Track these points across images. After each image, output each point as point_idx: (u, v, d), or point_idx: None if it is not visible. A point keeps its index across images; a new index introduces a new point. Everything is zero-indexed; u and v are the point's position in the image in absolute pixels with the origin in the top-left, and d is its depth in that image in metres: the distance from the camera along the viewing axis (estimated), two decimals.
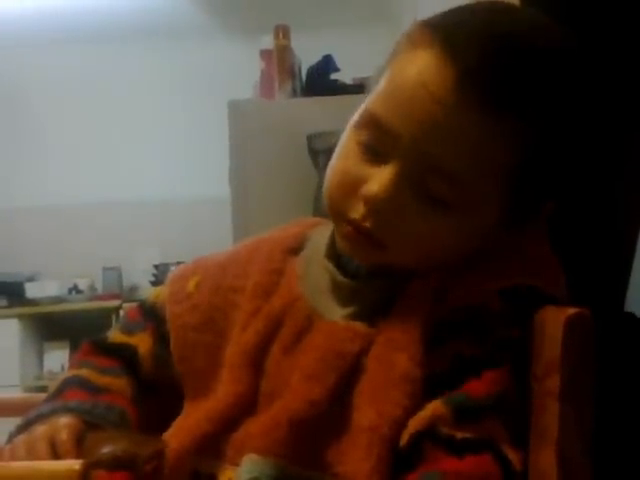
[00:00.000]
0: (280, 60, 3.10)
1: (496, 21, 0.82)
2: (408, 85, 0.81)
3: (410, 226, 0.82)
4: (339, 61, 3.26)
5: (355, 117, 0.86)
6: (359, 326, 0.84)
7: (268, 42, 3.17)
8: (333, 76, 3.25)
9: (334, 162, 0.87)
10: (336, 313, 0.87)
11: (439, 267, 0.84)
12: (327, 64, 3.25)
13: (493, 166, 0.81)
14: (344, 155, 0.85)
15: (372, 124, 0.83)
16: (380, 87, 0.83)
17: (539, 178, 0.84)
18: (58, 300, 4.95)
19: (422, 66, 0.80)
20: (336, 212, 0.86)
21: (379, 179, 0.81)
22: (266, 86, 3.14)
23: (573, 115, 0.83)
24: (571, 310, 0.80)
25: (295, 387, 0.83)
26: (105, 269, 5.16)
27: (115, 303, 4.80)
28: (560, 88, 0.82)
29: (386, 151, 0.82)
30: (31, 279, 5.08)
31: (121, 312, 4.65)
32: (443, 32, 0.81)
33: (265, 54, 3.17)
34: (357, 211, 0.83)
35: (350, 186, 0.84)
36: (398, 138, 0.81)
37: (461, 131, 0.79)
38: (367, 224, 0.82)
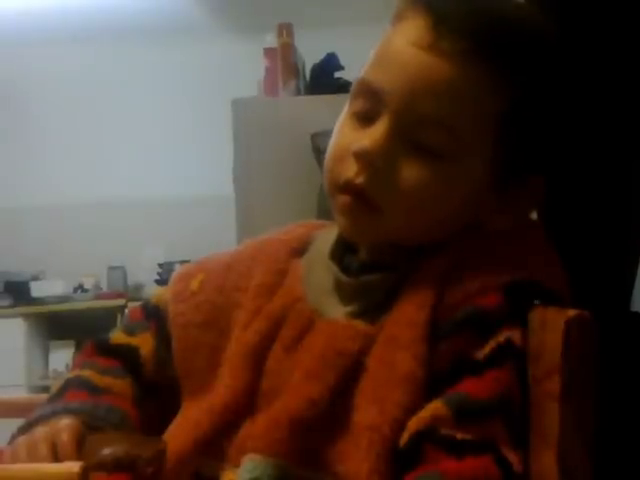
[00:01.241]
0: (284, 58, 3.10)
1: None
2: (394, 47, 0.85)
3: (403, 179, 0.83)
4: (343, 59, 3.26)
5: (350, 91, 0.89)
6: (360, 325, 0.84)
7: (272, 40, 3.17)
8: (337, 74, 3.25)
9: (330, 143, 0.89)
10: (338, 312, 0.87)
11: (438, 238, 0.85)
12: (331, 62, 3.26)
13: (480, 114, 0.84)
14: (339, 130, 0.88)
15: (363, 90, 0.86)
16: (370, 58, 0.87)
17: (525, 135, 0.86)
18: (63, 299, 4.95)
19: (407, 30, 0.85)
20: (332, 183, 0.87)
21: (371, 133, 0.84)
22: (270, 84, 3.14)
23: (554, 74, 0.87)
24: (571, 312, 0.80)
25: (295, 386, 0.83)
26: (110, 268, 5.17)
27: (120, 302, 4.81)
28: (543, 42, 0.87)
29: (377, 111, 0.84)
30: (36, 278, 5.09)
31: (126, 311, 4.65)
32: (425, 2, 0.85)
33: (269, 52, 3.17)
34: (350, 169, 0.84)
35: (344, 151, 0.86)
36: (387, 95, 0.84)
37: (447, 80, 0.82)
38: (360, 180, 0.84)
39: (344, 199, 0.86)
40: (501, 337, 0.80)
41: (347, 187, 0.85)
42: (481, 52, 0.82)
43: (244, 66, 3.95)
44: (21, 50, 5.23)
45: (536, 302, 0.84)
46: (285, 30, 3.20)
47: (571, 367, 0.79)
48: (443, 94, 0.82)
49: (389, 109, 0.83)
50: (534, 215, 1.00)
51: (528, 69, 0.85)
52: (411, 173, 0.83)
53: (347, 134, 0.87)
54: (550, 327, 0.81)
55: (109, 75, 5.33)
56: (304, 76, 3.31)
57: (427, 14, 0.84)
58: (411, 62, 0.83)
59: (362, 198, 0.84)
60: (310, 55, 3.34)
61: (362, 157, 0.83)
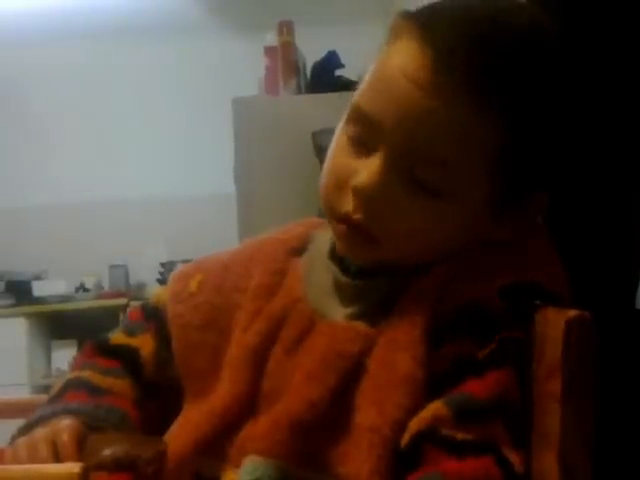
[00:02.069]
0: (284, 57, 3.10)
1: (474, 6, 0.83)
2: (389, 74, 0.82)
3: (400, 214, 0.82)
4: (343, 57, 3.25)
5: (345, 115, 0.87)
6: (361, 326, 0.84)
7: (272, 39, 3.17)
8: (337, 72, 3.24)
9: (326, 163, 0.87)
10: (338, 313, 0.87)
11: (434, 262, 0.84)
12: (331, 60, 3.25)
13: (478, 148, 0.81)
14: (335, 153, 0.86)
15: (358, 117, 0.84)
16: (364, 81, 0.85)
17: (525, 162, 0.84)
18: (65, 298, 4.96)
19: (401, 55, 0.81)
20: (330, 210, 0.87)
21: (366, 169, 0.82)
22: (270, 83, 3.14)
23: (555, 98, 0.84)
24: (571, 312, 0.80)
25: (296, 388, 0.83)
26: (112, 267, 5.17)
27: (122, 301, 4.82)
28: (541, 70, 0.82)
29: (373, 142, 0.82)
30: (38, 278, 5.10)
31: (128, 310, 4.66)
32: (421, 20, 0.82)
33: (269, 51, 3.16)
34: (348, 204, 0.83)
35: (341, 181, 0.84)
36: (383, 127, 0.81)
37: (443, 115, 0.79)
38: (358, 216, 0.83)
39: (342, 228, 0.85)
40: (502, 337, 0.80)
41: (345, 219, 0.84)
42: (478, 88, 0.79)
43: (245, 64, 3.95)
44: (21, 49, 5.24)
45: (537, 302, 0.84)
46: (285, 28, 3.20)
47: (571, 367, 0.79)
48: (439, 132, 0.80)
49: (385, 144, 0.81)
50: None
51: (528, 101, 0.81)
52: (409, 208, 0.82)
53: (343, 161, 0.85)
54: (551, 327, 0.81)
55: (110, 74, 5.33)
56: (305, 74, 3.31)
57: (422, 42, 0.80)
58: (406, 97, 0.80)
59: (360, 231, 0.84)
60: (311, 53, 3.33)
61: (360, 194, 0.82)
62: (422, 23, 0.82)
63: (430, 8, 0.84)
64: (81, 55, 5.30)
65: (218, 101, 3.76)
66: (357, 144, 0.84)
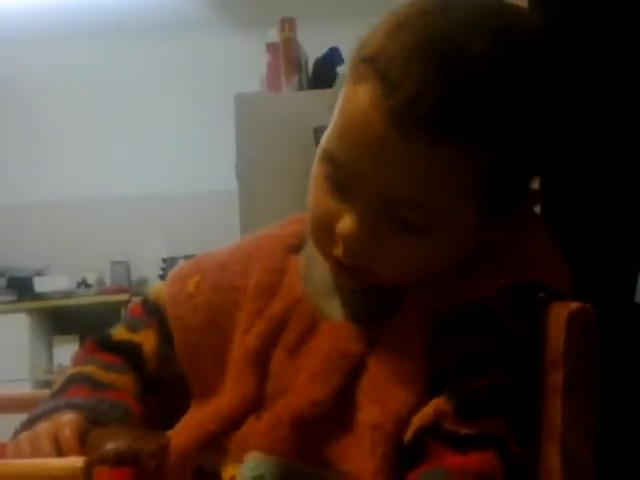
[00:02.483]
0: (286, 53, 3.10)
1: (433, 33, 0.76)
2: (354, 126, 0.78)
3: (390, 254, 0.81)
4: (345, 54, 3.25)
5: (318, 151, 0.84)
6: (363, 326, 0.84)
7: (274, 35, 3.17)
8: (339, 69, 3.24)
9: (310, 195, 0.85)
10: (340, 313, 0.87)
11: (433, 277, 0.83)
12: (333, 57, 3.25)
13: (453, 188, 0.78)
14: (316, 190, 0.84)
15: (330, 162, 0.82)
16: (332, 122, 0.82)
17: (508, 180, 0.81)
18: (67, 294, 4.96)
19: (364, 106, 0.77)
20: (321, 249, 0.86)
21: (349, 215, 0.80)
22: (273, 79, 3.14)
23: (533, 110, 0.79)
24: (574, 305, 0.80)
25: (300, 388, 0.83)
26: (113, 263, 5.18)
27: (124, 297, 4.82)
28: (512, 86, 0.77)
29: (350, 185, 0.80)
30: (40, 273, 5.10)
31: (129, 305, 4.66)
32: (377, 65, 0.77)
33: (271, 47, 3.16)
34: (337, 249, 0.82)
35: (325, 224, 0.83)
36: (355, 174, 0.79)
37: (414, 162, 0.76)
38: (348, 261, 0.82)
39: (335, 267, 0.85)
40: (505, 332, 0.80)
41: (337, 260, 0.83)
42: (449, 129, 0.75)
43: (247, 61, 3.95)
44: (22, 46, 5.23)
45: (540, 295, 0.84)
46: (287, 25, 3.20)
47: (574, 360, 0.79)
48: (410, 178, 0.77)
49: (359, 191, 0.79)
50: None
51: (504, 122, 0.77)
52: (397, 247, 0.80)
53: (325, 201, 0.83)
54: (553, 320, 0.81)
55: (111, 71, 5.33)
56: (307, 71, 3.31)
57: (379, 87, 0.76)
58: (376, 146, 0.77)
59: (352, 270, 0.83)
60: (312, 50, 3.33)
61: (346, 241, 0.81)
62: (381, 70, 0.76)
63: (388, 44, 0.78)
64: (82, 52, 5.30)
65: (220, 97, 3.76)
66: (334, 185, 0.82)
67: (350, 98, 0.80)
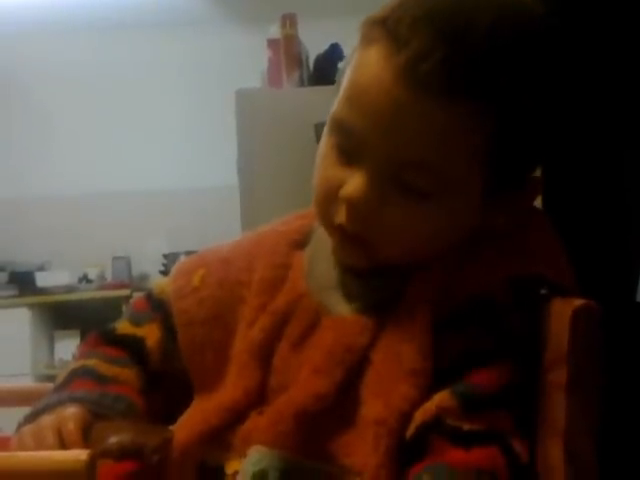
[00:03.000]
0: (287, 49, 3.10)
1: (438, 8, 0.79)
2: (364, 87, 0.80)
3: (393, 220, 0.82)
4: (346, 50, 3.25)
5: (327, 123, 0.85)
6: (367, 320, 0.84)
7: (275, 31, 3.17)
8: (340, 65, 3.24)
9: (315, 170, 0.87)
10: (343, 307, 0.87)
11: (436, 257, 0.84)
12: (334, 53, 3.24)
13: (462, 149, 0.80)
14: (322, 162, 0.86)
15: (339, 128, 0.83)
16: (341, 89, 0.83)
17: (514, 147, 0.82)
18: (68, 289, 4.97)
19: (373, 66, 0.79)
20: (324, 220, 0.87)
21: (354, 180, 0.81)
22: (273, 75, 3.14)
23: (538, 82, 0.81)
24: (578, 301, 0.80)
25: (303, 382, 0.83)
26: (115, 258, 5.18)
27: (125, 292, 4.83)
28: (519, 55, 0.80)
29: (357, 151, 0.82)
30: (41, 269, 5.11)
31: (132, 299, 4.65)
32: (387, 26, 0.79)
33: (272, 43, 3.17)
34: (340, 215, 0.83)
35: (330, 192, 0.84)
36: (364, 138, 0.80)
37: (424, 122, 0.78)
38: (351, 227, 0.83)
39: (338, 237, 0.86)
40: (508, 328, 0.81)
41: (340, 230, 0.84)
42: (454, 90, 0.77)
43: (247, 57, 3.95)
44: (23, 41, 5.23)
45: (543, 292, 0.84)
46: (288, 21, 3.20)
47: (578, 356, 0.79)
48: (421, 137, 0.78)
49: (369, 153, 0.81)
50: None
51: (508, 90, 0.79)
52: (401, 213, 0.81)
53: (331, 170, 0.84)
54: (556, 316, 0.81)
55: (113, 67, 5.33)
56: (308, 67, 3.31)
57: (393, 50, 0.78)
58: (383, 107, 0.78)
59: (356, 240, 0.84)
60: (313, 46, 3.33)
61: (350, 206, 0.82)
62: (386, 31, 0.79)
63: (394, 7, 0.81)
64: (83, 48, 5.29)
65: (221, 93, 3.76)
66: (342, 154, 0.83)
67: (360, 61, 0.82)
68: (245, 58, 4.15)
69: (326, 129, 0.85)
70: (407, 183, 0.80)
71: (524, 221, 0.88)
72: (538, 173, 0.90)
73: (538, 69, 0.81)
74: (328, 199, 0.84)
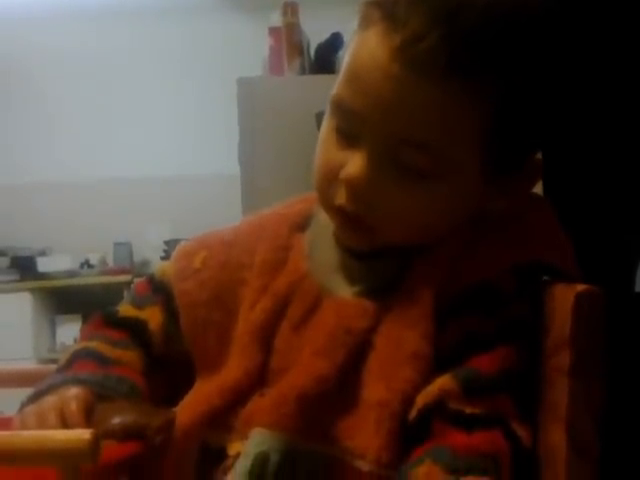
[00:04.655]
0: (288, 38, 3.09)
1: None
2: (363, 67, 0.81)
3: (392, 200, 0.82)
4: (347, 39, 3.23)
5: (328, 105, 0.86)
6: (368, 303, 0.85)
7: (277, 19, 3.17)
8: (341, 53, 3.22)
9: (316, 154, 0.87)
10: (345, 290, 0.87)
11: (437, 240, 0.84)
12: (335, 42, 3.24)
13: (461, 128, 0.80)
14: (322, 145, 0.86)
15: (339, 109, 0.83)
16: (341, 71, 0.84)
17: (513, 131, 0.82)
18: (70, 274, 4.97)
19: (371, 46, 0.80)
20: (324, 202, 0.87)
21: (354, 161, 0.82)
22: (275, 63, 3.14)
23: (532, 60, 0.81)
24: (581, 286, 0.80)
25: (304, 364, 0.83)
26: (116, 244, 5.18)
27: (126, 278, 4.82)
28: (517, 34, 0.79)
29: (357, 132, 0.82)
30: (43, 253, 5.10)
31: (135, 282, 4.64)
32: (384, 7, 0.80)
33: (273, 31, 3.16)
34: (341, 197, 0.83)
35: (331, 173, 0.84)
36: (364, 118, 0.81)
37: (422, 102, 0.78)
38: (351, 207, 0.83)
39: (338, 219, 0.86)
40: (510, 313, 0.81)
41: (340, 211, 0.85)
42: (451, 69, 0.77)
43: (249, 45, 3.94)
44: (25, 27, 5.20)
45: (545, 278, 0.84)
46: (290, 9, 3.20)
47: (580, 341, 0.79)
48: (420, 117, 0.79)
49: (368, 133, 0.81)
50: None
51: (512, 73, 0.79)
52: (400, 193, 0.82)
53: (332, 152, 0.85)
54: (559, 302, 0.81)
55: (114, 54, 5.30)
56: (309, 55, 3.30)
57: (390, 31, 0.78)
58: (381, 86, 0.79)
59: (356, 221, 0.84)
60: (315, 34, 3.33)
61: (350, 186, 0.82)
62: (388, 10, 0.79)
63: None
64: (85, 35, 5.27)
65: (222, 81, 3.75)
66: (342, 135, 0.84)
67: (358, 42, 0.82)
68: (246, 46, 4.14)
69: (326, 113, 0.86)
70: (406, 163, 0.81)
71: (524, 204, 0.88)
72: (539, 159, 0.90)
73: (536, 46, 0.81)
74: (328, 181, 0.85)
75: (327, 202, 0.87)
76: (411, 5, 0.78)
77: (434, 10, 0.77)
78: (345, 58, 0.84)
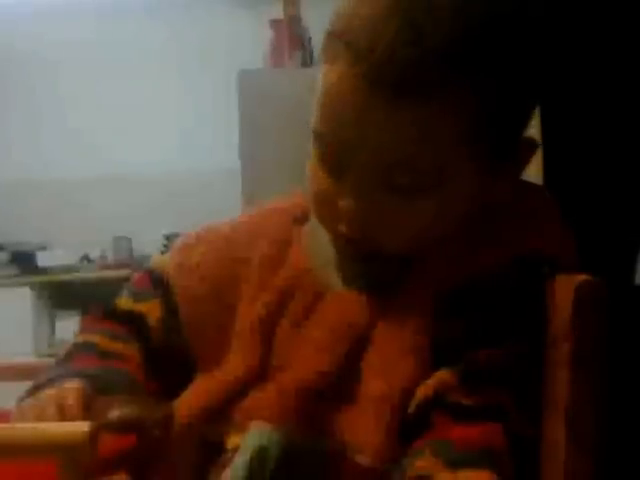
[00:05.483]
0: (289, 30, 3.10)
1: (393, 4, 0.77)
2: (336, 101, 0.79)
3: (394, 221, 0.81)
4: None
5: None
6: (369, 298, 0.85)
7: (278, 12, 3.17)
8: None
9: (307, 174, 0.86)
10: (346, 286, 0.87)
11: (438, 241, 0.84)
12: None
13: (445, 138, 0.78)
14: (312, 176, 0.85)
15: (320, 141, 0.83)
16: (316, 102, 0.82)
17: (496, 123, 0.81)
18: (69, 269, 4.97)
19: (341, 79, 0.78)
20: (326, 227, 0.86)
21: (348, 191, 0.81)
22: (276, 56, 3.14)
23: (505, 58, 0.79)
24: (581, 277, 0.80)
25: (305, 359, 0.83)
26: (116, 239, 5.18)
27: (126, 272, 4.82)
28: (483, 48, 0.77)
29: (345, 162, 0.81)
30: (43, 248, 5.11)
31: (131, 277, 4.65)
32: (346, 38, 0.78)
33: (275, 24, 3.17)
34: (341, 226, 0.83)
35: (326, 202, 0.84)
36: (347, 150, 0.80)
37: (398, 125, 0.77)
38: (354, 235, 0.82)
39: (343, 241, 0.85)
40: (509, 307, 0.81)
41: (343, 236, 0.84)
42: (427, 88, 0.75)
43: (250, 38, 3.94)
44: (21, 22, 5.21)
45: (545, 269, 0.84)
46: (291, 2, 3.20)
47: (581, 332, 0.79)
48: (401, 139, 0.77)
49: (353, 165, 0.80)
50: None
51: (487, 74, 0.77)
52: (401, 213, 0.81)
53: (323, 183, 0.84)
54: (559, 293, 0.81)
55: (114, 47, 5.30)
56: (310, 48, 3.30)
57: (350, 61, 0.76)
58: (357, 115, 0.77)
59: (359, 243, 0.84)
60: (315, 27, 3.32)
61: (349, 217, 0.81)
62: (351, 42, 0.77)
63: (352, 17, 0.79)
64: (84, 29, 5.26)
65: (223, 74, 3.76)
66: (329, 165, 0.83)
67: (327, 77, 0.81)
68: (247, 39, 4.15)
69: (311, 140, 0.85)
70: (398, 183, 0.80)
71: (525, 198, 0.87)
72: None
73: (507, 51, 0.79)
74: (327, 210, 0.84)
75: (329, 227, 0.86)
76: (373, 31, 0.76)
77: (398, 32, 0.75)
78: (317, 91, 0.82)
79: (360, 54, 0.76)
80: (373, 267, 0.86)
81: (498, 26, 0.78)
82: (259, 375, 0.86)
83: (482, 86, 0.78)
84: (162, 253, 4.85)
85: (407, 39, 0.75)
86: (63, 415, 0.80)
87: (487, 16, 0.78)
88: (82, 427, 0.64)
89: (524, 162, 0.87)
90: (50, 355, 4.59)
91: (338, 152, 0.81)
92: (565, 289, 0.80)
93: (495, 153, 0.82)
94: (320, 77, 0.82)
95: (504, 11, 0.79)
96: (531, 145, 0.86)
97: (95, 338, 0.93)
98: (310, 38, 3.28)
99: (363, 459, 0.78)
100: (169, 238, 4.94)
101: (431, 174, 0.79)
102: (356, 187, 0.80)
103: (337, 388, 0.82)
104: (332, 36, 0.80)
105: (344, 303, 0.85)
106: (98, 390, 0.84)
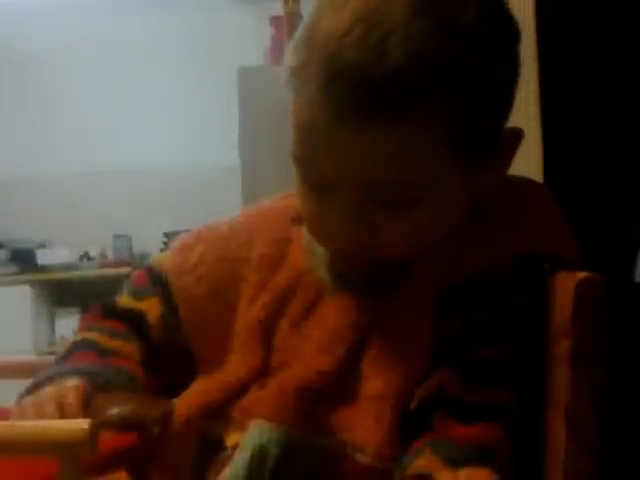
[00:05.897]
0: (290, 27, 3.09)
1: (347, 30, 0.76)
2: (307, 129, 0.79)
3: (387, 234, 0.81)
4: None
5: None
6: (368, 298, 0.85)
7: (278, 8, 3.16)
8: None
9: (296, 192, 0.86)
10: (345, 285, 0.87)
11: (435, 244, 0.84)
12: None
13: (423, 151, 0.78)
14: (300, 198, 0.85)
15: (301, 166, 0.82)
16: (292, 129, 0.82)
17: (475, 124, 0.80)
18: (69, 267, 4.98)
19: (310, 107, 0.78)
20: (320, 243, 0.87)
21: (336, 214, 0.81)
22: (276, 53, 3.13)
23: (468, 67, 0.78)
24: (581, 274, 0.80)
25: (306, 359, 0.83)
26: (116, 237, 5.19)
27: (126, 270, 4.82)
28: (445, 67, 0.76)
29: (325, 184, 0.81)
30: (42, 246, 5.11)
31: (131, 275, 4.66)
32: (309, 71, 0.78)
33: (275, 21, 3.16)
34: (337, 244, 0.83)
35: (319, 225, 0.84)
36: (325, 173, 0.80)
37: (372, 150, 0.76)
38: (349, 251, 0.83)
39: (340, 256, 0.86)
40: (509, 304, 0.81)
41: (339, 250, 0.84)
42: (399, 108, 0.75)
43: (251, 34, 3.94)
44: (24, 17, 5.21)
45: (546, 266, 0.84)
46: None
47: (581, 328, 0.79)
48: (376, 162, 0.77)
49: (336, 187, 0.80)
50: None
51: (455, 86, 0.77)
52: (392, 226, 0.81)
53: (311, 204, 0.84)
54: (560, 289, 0.81)
55: (114, 43, 5.30)
56: None
57: (322, 87, 0.76)
58: (330, 140, 0.77)
59: (356, 257, 0.84)
60: None
61: (342, 239, 0.82)
62: (314, 74, 0.77)
63: (312, 48, 0.78)
64: (85, 25, 5.26)
65: (223, 71, 3.75)
66: (312, 187, 0.83)
67: (296, 105, 0.80)
68: (248, 35, 4.14)
69: (293, 163, 0.85)
70: (385, 198, 0.80)
71: (520, 183, 0.87)
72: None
73: (469, 55, 0.78)
74: (320, 230, 0.85)
75: (324, 244, 0.86)
76: (339, 56, 0.75)
77: (356, 62, 0.74)
78: (291, 117, 0.82)
79: (324, 85, 0.76)
80: (372, 272, 0.86)
81: (459, 41, 0.77)
82: (260, 376, 0.86)
83: (450, 99, 0.77)
84: (162, 251, 4.85)
85: (369, 62, 0.74)
86: (63, 413, 0.80)
87: (444, 31, 0.76)
88: (82, 425, 0.64)
89: (510, 154, 0.86)
90: (50, 353, 4.59)
91: (318, 174, 0.81)
92: (565, 286, 0.80)
93: (477, 153, 0.82)
94: (294, 104, 0.81)
95: (460, 26, 0.77)
96: (515, 135, 0.85)
97: (95, 336, 0.93)
98: None
99: (363, 458, 0.78)
100: (169, 236, 4.94)
101: (417, 187, 0.79)
102: (345, 208, 0.80)
103: (337, 387, 0.82)
104: (295, 70, 0.80)
105: (344, 303, 0.85)
106: (98, 388, 0.85)
